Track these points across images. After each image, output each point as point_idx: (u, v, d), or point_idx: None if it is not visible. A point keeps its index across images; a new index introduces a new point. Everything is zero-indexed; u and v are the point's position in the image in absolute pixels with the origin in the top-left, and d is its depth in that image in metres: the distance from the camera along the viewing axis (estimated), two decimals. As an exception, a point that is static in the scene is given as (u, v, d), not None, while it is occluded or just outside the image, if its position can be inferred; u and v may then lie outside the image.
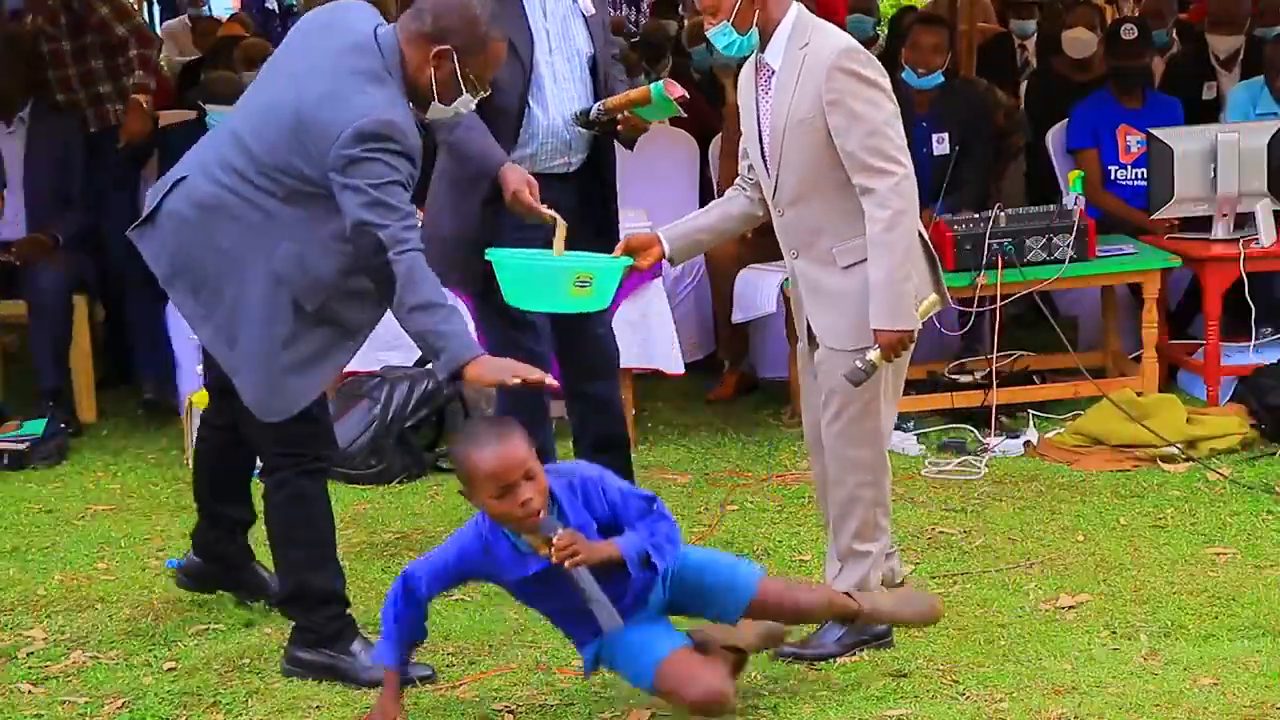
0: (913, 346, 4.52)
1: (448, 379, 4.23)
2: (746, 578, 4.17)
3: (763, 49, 4.52)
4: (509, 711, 4.26)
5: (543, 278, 4.61)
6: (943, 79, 7.54)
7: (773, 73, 4.50)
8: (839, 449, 4.55)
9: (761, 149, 4.55)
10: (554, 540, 3.86)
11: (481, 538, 4.03)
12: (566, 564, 3.87)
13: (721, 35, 4.50)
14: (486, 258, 4.69)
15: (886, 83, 4.46)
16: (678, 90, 5.04)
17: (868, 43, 9.13)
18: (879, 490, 4.58)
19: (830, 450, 4.58)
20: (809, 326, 4.60)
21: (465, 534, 4.08)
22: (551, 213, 4.86)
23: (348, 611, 4.59)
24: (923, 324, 4.52)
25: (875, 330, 4.39)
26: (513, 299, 4.67)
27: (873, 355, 4.37)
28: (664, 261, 4.76)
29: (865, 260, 4.41)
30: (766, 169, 4.54)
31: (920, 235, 4.55)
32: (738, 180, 4.78)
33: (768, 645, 4.36)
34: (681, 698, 3.97)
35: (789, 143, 4.46)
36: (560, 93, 5.20)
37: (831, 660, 4.50)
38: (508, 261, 4.66)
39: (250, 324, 4.35)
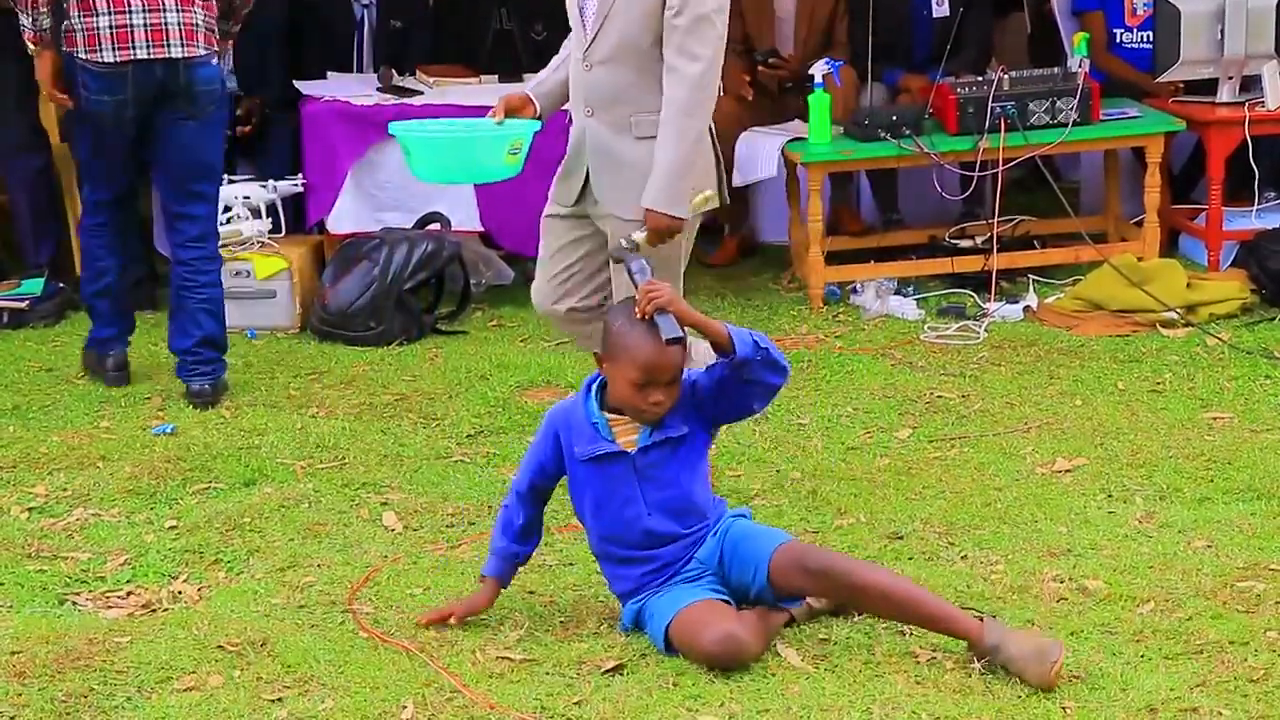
0: (683, 239, 4.42)
1: None
2: (775, 532, 3.98)
3: None
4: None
5: (479, 147, 4.55)
6: None
7: None
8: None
9: (581, 3, 4.45)
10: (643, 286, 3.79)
11: (572, 408, 3.95)
12: (651, 305, 3.75)
13: None
14: (393, 132, 4.67)
15: None
16: None
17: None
18: None
19: None
20: (585, 185, 4.51)
21: (558, 407, 4.02)
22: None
23: None
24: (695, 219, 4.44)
25: (647, 210, 4.32)
26: (433, 173, 4.67)
27: (638, 236, 4.22)
28: None
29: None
30: (585, 23, 4.44)
31: (710, 129, 4.44)
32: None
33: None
34: (696, 651, 3.74)
35: (620, 2, 4.36)
36: None
37: (830, 524, 4.55)
38: (435, 135, 4.66)
39: None
